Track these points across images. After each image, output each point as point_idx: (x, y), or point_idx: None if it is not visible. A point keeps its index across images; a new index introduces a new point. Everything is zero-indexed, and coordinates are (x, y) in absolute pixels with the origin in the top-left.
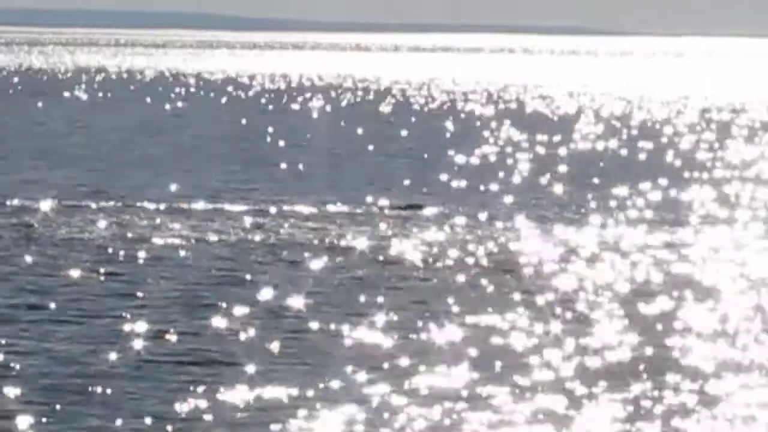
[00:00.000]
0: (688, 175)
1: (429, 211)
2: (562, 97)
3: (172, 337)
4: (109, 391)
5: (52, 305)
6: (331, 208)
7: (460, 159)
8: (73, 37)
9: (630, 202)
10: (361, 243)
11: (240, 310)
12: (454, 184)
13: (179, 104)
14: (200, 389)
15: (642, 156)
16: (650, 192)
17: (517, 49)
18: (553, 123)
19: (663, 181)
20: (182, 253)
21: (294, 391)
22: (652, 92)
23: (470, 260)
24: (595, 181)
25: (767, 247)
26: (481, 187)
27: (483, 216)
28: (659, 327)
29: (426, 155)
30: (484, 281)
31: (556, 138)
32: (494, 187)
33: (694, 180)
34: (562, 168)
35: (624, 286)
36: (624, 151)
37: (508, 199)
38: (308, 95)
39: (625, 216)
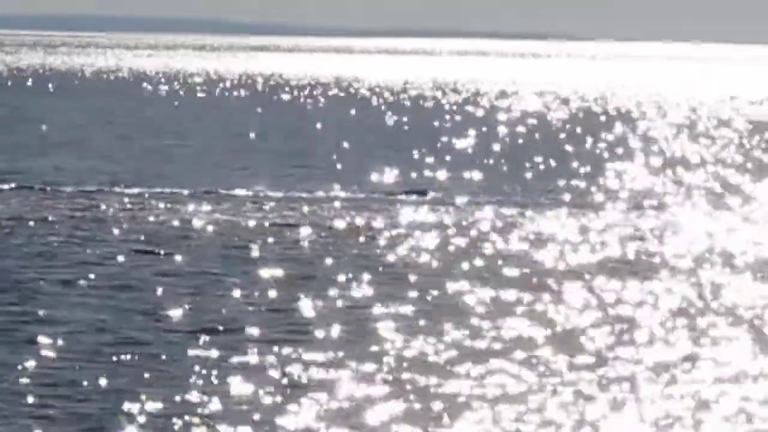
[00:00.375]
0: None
1: (432, 196)
2: (533, 96)
3: (193, 309)
4: (135, 356)
5: (83, 280)
6: (338, 193)
7: (453, 150)
8: (90, 41)
9: (604, 189)
10: (368, 226)
11: (254, 285)
12: (454, 172)
13: (189, 102)
14: (218, 354)
15: (604, 147)
16: (615, 180)
17: (491, 52)
18: (528, 118)
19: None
20: (201, 233)
21: (305, 356)
22: (615, 91)
23: (468, 243)
24: (583, 169)
25: (730, 227)
26: (476, 176)
27: (480, 201)
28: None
29: (423, 146)
30: (481, 264)
31: (531, 132)
32: (490, 175)
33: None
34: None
35: (611, 266)
36: (589, 143)
37: (506, 186)
38: (308, 93)
39: (606, 201)
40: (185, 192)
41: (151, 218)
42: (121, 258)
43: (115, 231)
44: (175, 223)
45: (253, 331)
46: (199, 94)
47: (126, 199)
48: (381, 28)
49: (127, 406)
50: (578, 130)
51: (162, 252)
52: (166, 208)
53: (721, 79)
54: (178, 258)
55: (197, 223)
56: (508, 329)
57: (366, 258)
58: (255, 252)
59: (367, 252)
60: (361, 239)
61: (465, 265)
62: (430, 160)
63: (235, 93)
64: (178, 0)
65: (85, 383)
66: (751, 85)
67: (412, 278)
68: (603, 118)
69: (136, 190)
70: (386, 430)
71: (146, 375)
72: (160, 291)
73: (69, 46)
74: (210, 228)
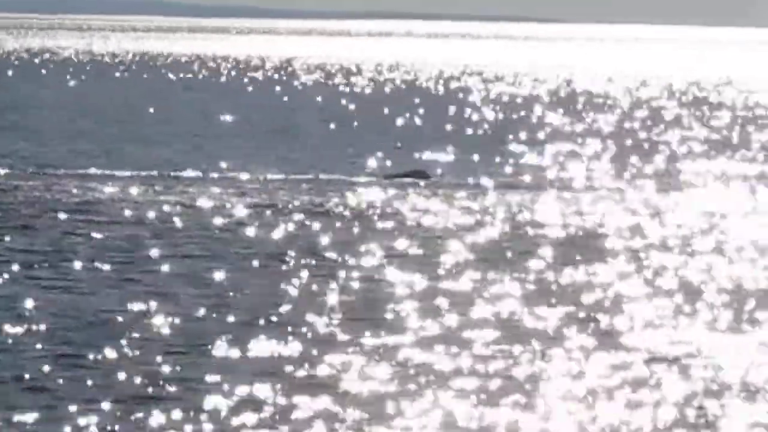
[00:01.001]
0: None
1: (433, 178)
2: (515, 78)
3: (176, 292)
4: (111, 340)
5: (78, 261)
6: (331, 176)
7: (442, 131)
8: (48, 23)
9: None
10: (366, 207)
11: (246, 273)
12: (450, 153)
13: (150, 84)
14: (195, 340)
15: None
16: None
17: (471, 34)
18: (509, 100)
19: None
20: (180, 216)
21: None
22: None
23: (468, 227)
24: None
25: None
26: (470, 157)
27: (479, 183)
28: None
29: (406, 128)
30: (481, 247)
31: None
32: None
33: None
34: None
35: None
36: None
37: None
38: (289, 75)
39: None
40: (170, 175)
41: (132, 202)
42: (100, 242)
43: (94, 215)
44: (160, 206)
45: (240, 315)
46: (171, 76)
47: (103, 182)
48: (339, 11)
49: (99, 395)
50: (562, 112)
51: (145, 236)
52: (147, 192)
53: (700, 62)
54: (162, 242)
55: (179, 206)
56: (500, 315)
57: (356, 241)
58: (242, 234)
59: (359, 234)
60: (354, 221)
61: (463, 249)
62: (420, 143)
63: (208, 75)
64: None
65: (55, 369)
66: (732, 67)
67: (406, 261)
68: (583, 99)
69: (115, 173)
70: (382, 420)
71: (120, 360)
72: (143, 276)
73: (26, 28)
74: (192, 211)
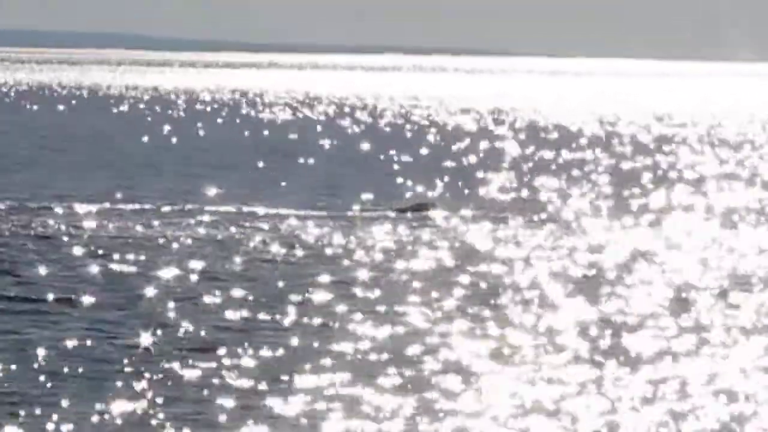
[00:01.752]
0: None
1: (436, 212)
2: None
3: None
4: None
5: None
6: (337, 212)
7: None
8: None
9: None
10: (370, 244)
11: (248, 306)
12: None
13: (133, 114)
14: (160, 369)
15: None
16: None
17: (432, 68)
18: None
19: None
20: (166, 248)
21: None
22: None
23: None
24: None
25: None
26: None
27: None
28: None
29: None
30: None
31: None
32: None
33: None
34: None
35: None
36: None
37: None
38: (269, 109)
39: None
40: (147, 207)
41: (105, 232)
42: (57, 273)
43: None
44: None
45: (238, 342)
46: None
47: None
48: (295, 43)
49: (69, 424)
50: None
51: (115, 268)
52: (123, 223)
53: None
54: (128, 274)
55: (143, 236)
56: (505, 346)
57: (325, 276)
58: (251, 270)
59: (326, 270)
60: (363, 254)
61: (469, 281)
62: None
63: (176, 108)
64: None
65: (33, 400)
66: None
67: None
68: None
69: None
70: None
71: (98, 392)
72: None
73: None
74: (154, 243)
